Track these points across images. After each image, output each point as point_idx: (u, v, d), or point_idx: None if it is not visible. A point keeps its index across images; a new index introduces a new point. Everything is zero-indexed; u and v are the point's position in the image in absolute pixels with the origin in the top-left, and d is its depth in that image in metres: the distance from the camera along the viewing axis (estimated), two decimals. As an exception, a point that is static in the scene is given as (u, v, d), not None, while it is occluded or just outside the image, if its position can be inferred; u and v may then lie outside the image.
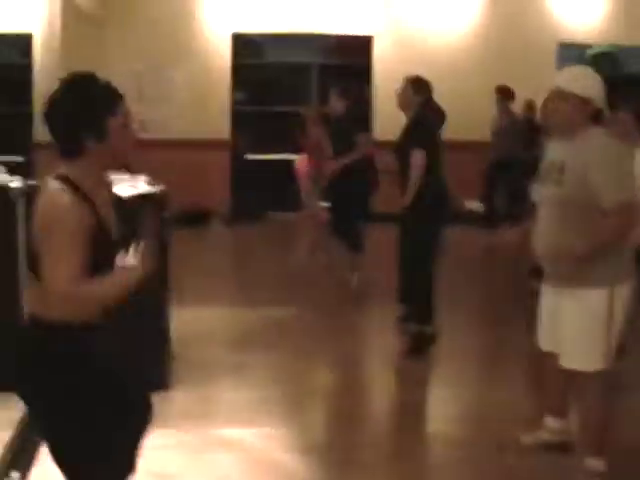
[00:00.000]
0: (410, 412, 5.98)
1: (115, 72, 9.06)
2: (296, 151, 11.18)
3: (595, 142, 4.42)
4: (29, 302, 3.00)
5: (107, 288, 2.95)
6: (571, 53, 13.69)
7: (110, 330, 3.14)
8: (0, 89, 13.09)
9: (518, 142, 11.80)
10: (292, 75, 14.45)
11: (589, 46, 14.09)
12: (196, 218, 13.00)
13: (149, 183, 5.95)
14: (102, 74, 3.07)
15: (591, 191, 4.31)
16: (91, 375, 2.99)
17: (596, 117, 4.48)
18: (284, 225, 12.67)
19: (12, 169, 6.14)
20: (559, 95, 4.48)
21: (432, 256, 6.83)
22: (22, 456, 4.66)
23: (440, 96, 7.04)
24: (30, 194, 5.71)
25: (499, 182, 12.39)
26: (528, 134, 11.65)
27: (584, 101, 4.41)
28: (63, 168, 2.97)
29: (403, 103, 6.81)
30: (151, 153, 10.25)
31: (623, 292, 4.45)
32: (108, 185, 3.21)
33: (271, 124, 14.01)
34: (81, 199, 2.89)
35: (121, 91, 3.06)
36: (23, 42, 12.67)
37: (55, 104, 2.95)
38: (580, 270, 4.38)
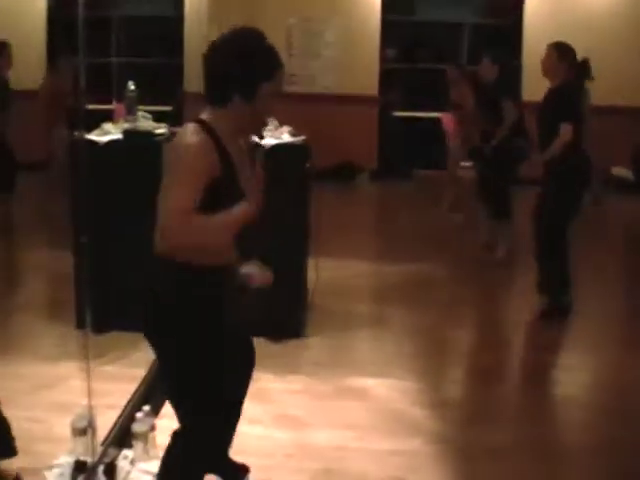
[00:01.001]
0: (542, 375, 5.95)
1: (266, 25, 9.14)
2: (443, 109, 11.14)
3: None
4: (156, 242, 2.98)
5: (216, 224, 2.93)
6: None
7: (232, 274, 3.20)
8: (153, 40, 13.47)
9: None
10: (442, 33, 14.26)
11: None
12: (341, 173, 13.13)
13: (292, 134, 6.07)
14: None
15: None
16: (208, 316, 3.06)
17: None
18: (430, 182, 12.66)
19: (161, 118, 6.32)
20: None
21: (569, 223, 6.73)
22: (154, 392, 4.89)
23: (592, 59, 6.85)
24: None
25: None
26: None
27: None
28: (204, 114, 3.01)
29: (548, 70, 6.67)
30: (299, 107, 10.37)
31: None
32: (245, 139, 3.28)
33: (420, 82, 13.97)
34: (213, 142, 2.92)
35: (275, 45, 3.06)
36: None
37: (218, 50, 2.98)
38: None
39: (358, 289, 7.68)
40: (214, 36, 3.11)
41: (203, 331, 3.05)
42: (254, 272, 3.31)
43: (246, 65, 2.93)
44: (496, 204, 8.75)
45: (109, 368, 5.25)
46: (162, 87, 11.07)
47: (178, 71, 11.53)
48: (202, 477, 3.38)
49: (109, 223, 5.65)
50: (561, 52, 6.63)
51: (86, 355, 4.12)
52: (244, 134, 3.26)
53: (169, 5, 13.59)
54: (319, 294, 6.77)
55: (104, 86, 6.59)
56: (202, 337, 3.05)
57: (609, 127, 11.15)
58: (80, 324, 5.86)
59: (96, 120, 5.93)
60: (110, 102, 6.79)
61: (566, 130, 6.45)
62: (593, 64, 6.89)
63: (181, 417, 3.23)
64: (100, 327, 5.40)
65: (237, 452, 3.82)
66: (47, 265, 7.83)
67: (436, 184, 11.87)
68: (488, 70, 8.61)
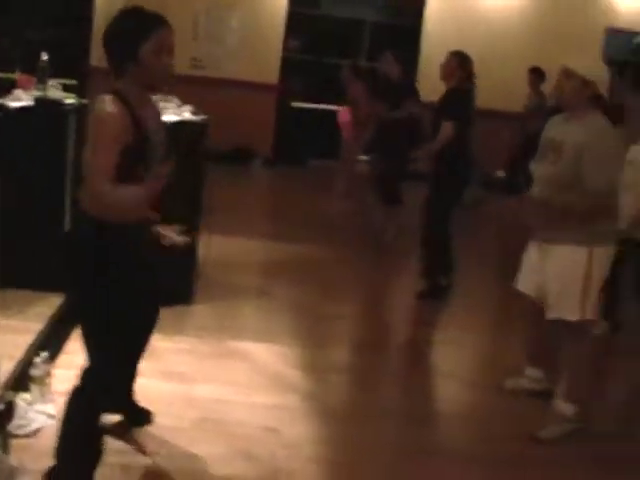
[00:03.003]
0: (417, 348, 6.47)
1: (173, 11, 9.40)
2: (340, 103, 11.53)
3: (591, 125, 4.62)
4: (82, 200, 3.46)
5: (128, 195, 3.31)
6: (618, 39, 13.76)
7: (144, 234, 3.66)
8: (62, 15, 13.55)
9: (544, 121, 11.97)
10: (345, 29, 14.72)
11: (638, 33, 14.22)
12: (235, 157, 13.46)
13: (193, 112, 6.41)
14: (160, 12, 3.52)
15: (581, 172, 4.52)
16: (122, 266, 3.47)
17: (596, 101, 4.68)
18: (323, 172, 13.06)
19: (68, 89, 6.54)
20: (564, 73, 4.70)
21: (450, 216, 7.29)
22: (51, 340, 5.20)
23: (487, 64, 7.26)
24: (82, 111, 6.19)
25: (524, 157, 12.59)
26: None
27: (585, 83, 4.62)
28: (116, 85, 3.45)
29: (446, 74, 7.12)
30: (202, 89, 10.69)
31: (601, 254, 4.72)
32: (153, 105, 3.71)
33: (320, 74, 14.39)
34: (127, 109, 3.35)
35: (165, 23, 3.46)
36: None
37: (106, 31, 3.46)
38: (562, 229, 4.68)
39: (246, 264, 8.01)
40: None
41: (113, 275, 3.46)
42: (168, 233, 3.82)
43: (125, 33, 3.41)
44: (387, 191, 9.27)
45: (4, 322, 5.37)
46: (68, 61, 11.24)
47: (86, 46, 11.73)
48: (103, 412, 3.82)
49: (15, 185, 5.86)
50: (461, 60, 7.11)
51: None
52: (153, 92, 3.68)
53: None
54: (209, 267, 7.09)
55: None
56: (112, 280, 3.46)
57: (493, 131, 11.78)
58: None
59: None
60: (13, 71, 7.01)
61: (446, 127, 6.95)
62: (481, 68, 7.33)
63: (89, 354, 3.61)
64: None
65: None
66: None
67: (329, 173, 12.28)
68: (391, 66, 8.97)
